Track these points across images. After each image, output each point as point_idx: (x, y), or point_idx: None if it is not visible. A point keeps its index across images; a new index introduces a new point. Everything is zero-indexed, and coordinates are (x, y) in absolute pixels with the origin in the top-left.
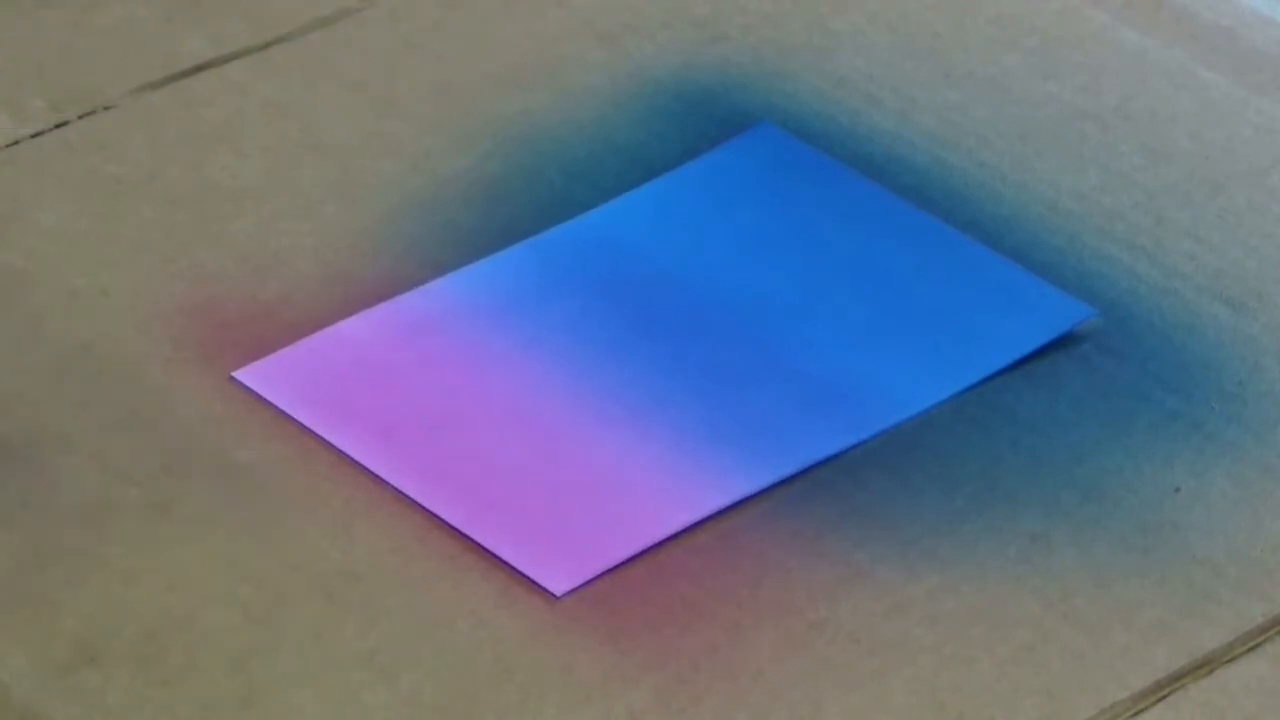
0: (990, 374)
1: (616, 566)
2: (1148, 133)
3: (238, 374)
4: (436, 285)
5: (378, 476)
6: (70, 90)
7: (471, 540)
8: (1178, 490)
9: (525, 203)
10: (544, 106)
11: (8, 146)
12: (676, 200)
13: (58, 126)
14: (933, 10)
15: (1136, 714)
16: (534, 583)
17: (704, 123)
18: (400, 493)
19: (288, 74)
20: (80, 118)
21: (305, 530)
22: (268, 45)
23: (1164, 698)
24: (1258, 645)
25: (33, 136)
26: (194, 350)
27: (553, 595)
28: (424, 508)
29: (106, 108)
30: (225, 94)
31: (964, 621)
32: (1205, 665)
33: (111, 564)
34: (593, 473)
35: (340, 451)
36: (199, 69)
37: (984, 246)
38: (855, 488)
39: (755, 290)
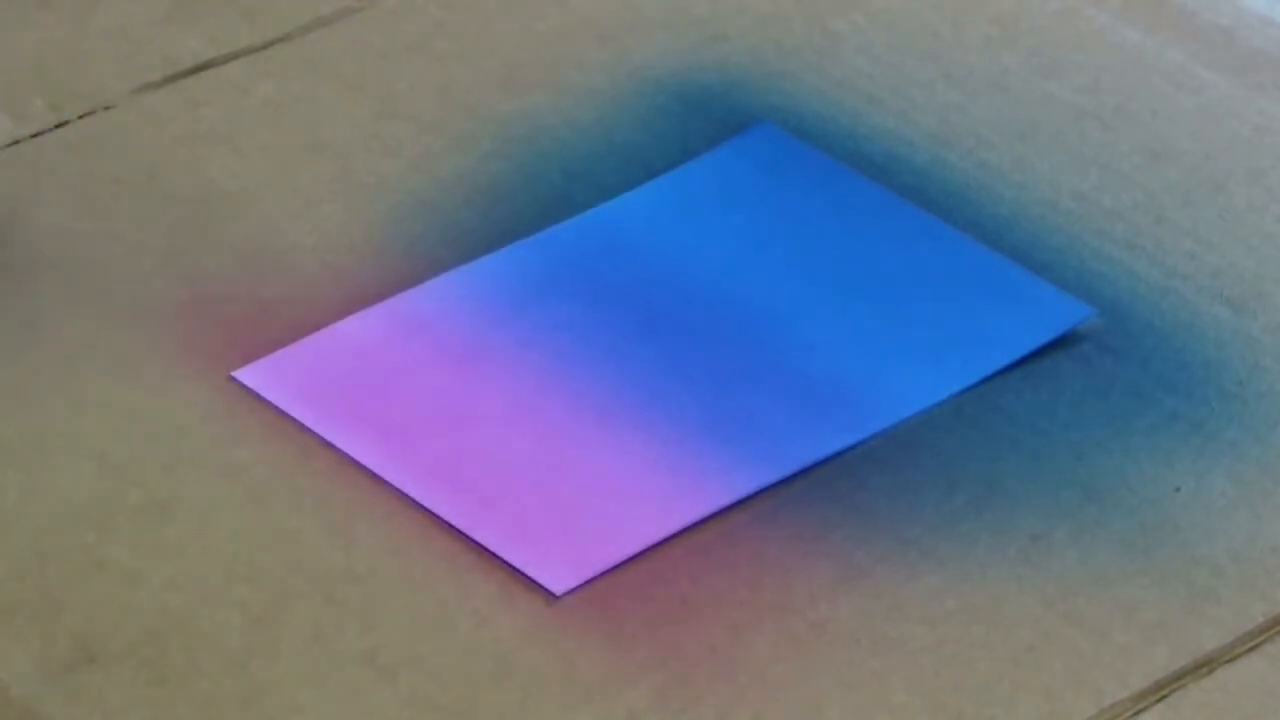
0: (990, 374)
1: (616, 566)
2: (1148, 133)
3: (238, 374)
4: (436, 284)
5: (378, 476)
6: (70, 90)
7: (471, 540)
8: (1178, 490)
9: (525, 203)
10: (544, 106)
11: (8, 146)
12: (676, 200)
13: (58, 126)
14: (933, 10)
15: (1136, 714)
16: (534, 582)
17: (704, 123)
18: (400, 493)
19: (288, 74)
20: (80, 118)
21: (305, 530)
22: (268, 45)
23: (1164, 698)
24: (1258, 645)
25: (33, 136)
26: (194, 350)
27: (553, 595)
28: (424, 508)
29: (106, 108)
30: (225, 94)
31: (964, 621)
32: (1205, 665)
33: (111, 564)
34: (593, 472)
35: (340, 451)
36: (199, 69)
37: (984, 246)
38: (855, 488)
39: (755, 290)
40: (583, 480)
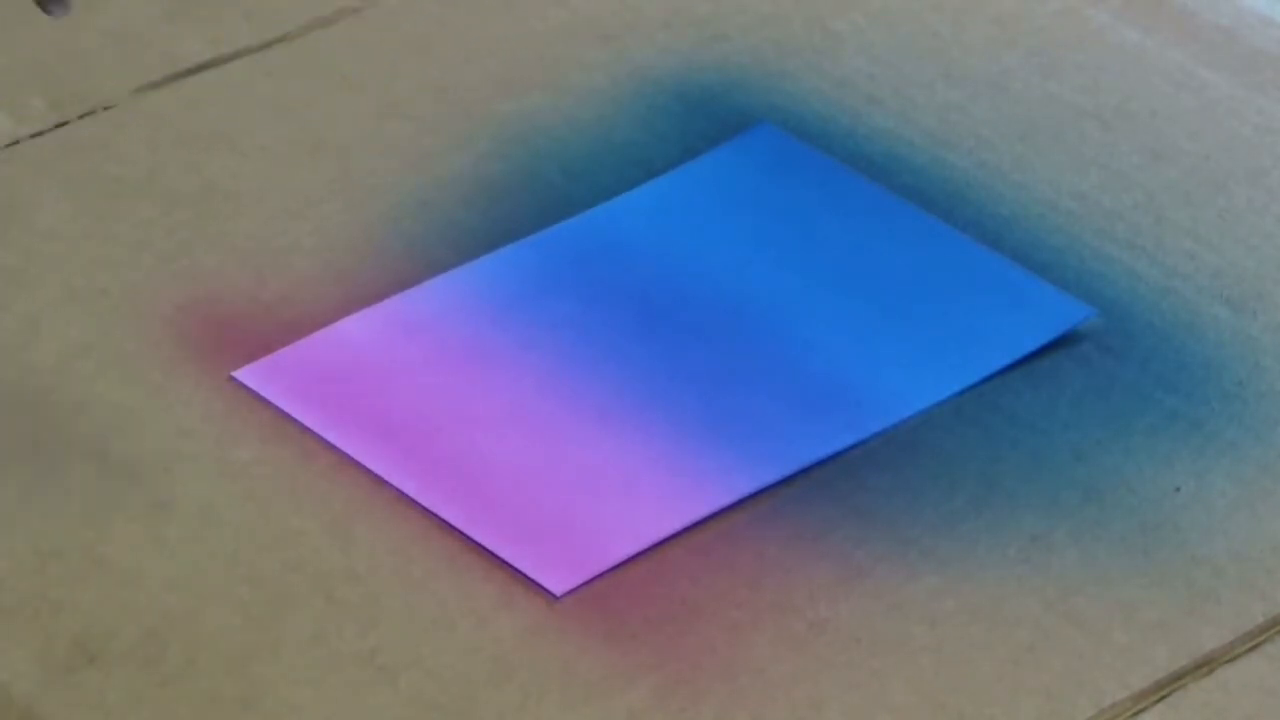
0: (990, 374)
1: (616, 566)
2: (1148, 133)
3: (238, 374)
4: (436, 284)
5: (378, 476)
6: (70, 90)
7: (471, 540)
8: (1178, 490)
9: (525, 203)
10: (544, 106)
11: (8, 146)
12: (676, 200)
13: (58, 126)
14: (933, 10)
15: (1136, 714)
16: (534, 583)
17: (704, 123)
18: (400, 493)
19: (288, 74)
20: (80, 118)
21: (305, 530)
22: (268, 45)
23: (1164, 698)
24: (1258, 645)
25: (33, 136)
26: (194, 350)
27: (553, 595)
28: (424, 508)
29: (106, 108)
30: (225, 94)
31: (964, 621)
32: (1205, 665)
33: (111, 564)
34: (593, 472)
35: (340, 451)
36: (199, 69)
37: (984, 246)
38: (855, 488)
39: (755, 290)
40: (583, 480)
